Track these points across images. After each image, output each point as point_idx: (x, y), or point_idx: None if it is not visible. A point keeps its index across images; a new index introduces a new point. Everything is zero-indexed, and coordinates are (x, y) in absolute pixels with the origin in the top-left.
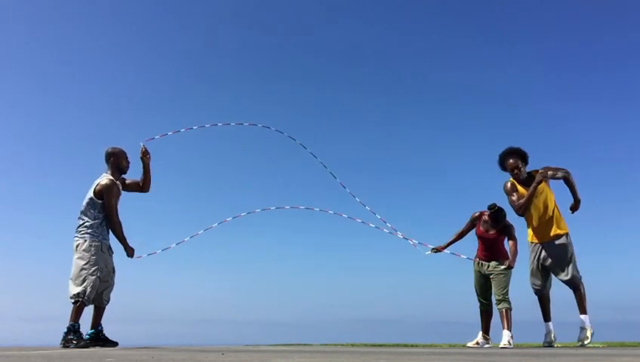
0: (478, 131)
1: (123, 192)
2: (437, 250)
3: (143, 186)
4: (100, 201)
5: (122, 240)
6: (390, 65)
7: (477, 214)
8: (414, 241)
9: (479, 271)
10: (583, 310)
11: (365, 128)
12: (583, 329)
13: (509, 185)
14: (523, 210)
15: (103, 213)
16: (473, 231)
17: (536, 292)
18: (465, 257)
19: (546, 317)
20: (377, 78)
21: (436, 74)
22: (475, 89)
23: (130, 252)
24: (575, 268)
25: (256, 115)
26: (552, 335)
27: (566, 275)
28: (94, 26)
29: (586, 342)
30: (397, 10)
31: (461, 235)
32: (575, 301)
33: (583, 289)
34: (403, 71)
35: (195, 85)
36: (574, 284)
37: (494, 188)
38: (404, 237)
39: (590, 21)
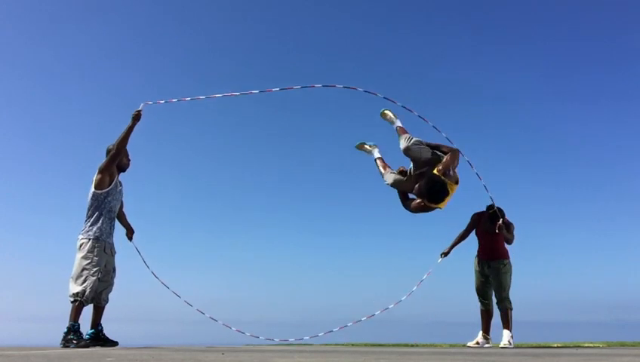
0: (477, 131)
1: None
2: (445, 254)
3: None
4: (99, 191)
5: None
6: (388, 65)
7: (477, 214)
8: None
9: (480, 271)
10: None
11: (364, 128)
12: None
13: None
14: None
15: (106, 209)
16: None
17: None
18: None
19: None
20: (376, 78)
21: (435, 74)
22: (474, 89)
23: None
24: None
25: (255, 115)
26: None
27: None
28: (95, 25)
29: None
30: (396, 10)
31: (463, 236)
32: None
33: None
34: (401, 71)
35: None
36: None
37: (494, 188)
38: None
39: (590, 21)
